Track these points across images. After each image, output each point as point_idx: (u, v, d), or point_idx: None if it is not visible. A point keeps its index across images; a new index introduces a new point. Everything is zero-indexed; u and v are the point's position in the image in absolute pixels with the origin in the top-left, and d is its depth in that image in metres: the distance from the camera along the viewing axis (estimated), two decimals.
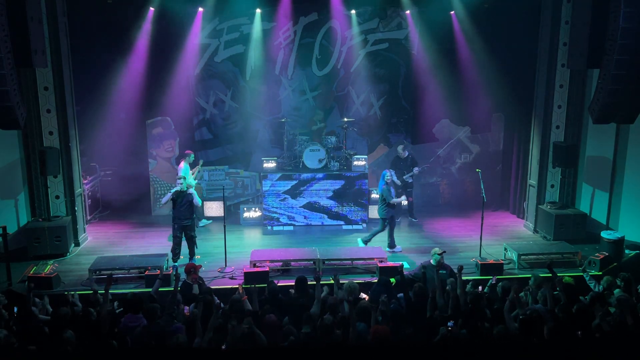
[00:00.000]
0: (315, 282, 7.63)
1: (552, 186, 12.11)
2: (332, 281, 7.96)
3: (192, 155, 12.16)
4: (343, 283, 7.87)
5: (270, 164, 12.58)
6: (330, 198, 12.62)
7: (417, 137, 14.13)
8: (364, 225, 12.63)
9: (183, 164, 11.92)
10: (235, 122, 13.76)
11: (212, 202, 13.13)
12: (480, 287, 8.48)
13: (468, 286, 8.17)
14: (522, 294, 8.05)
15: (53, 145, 10.87)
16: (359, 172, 12.60)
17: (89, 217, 12.58)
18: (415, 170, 12.63)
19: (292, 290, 8.12)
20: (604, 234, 10.71)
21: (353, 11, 13.25)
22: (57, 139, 10.90)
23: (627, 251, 10.60)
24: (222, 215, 10.88)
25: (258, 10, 12.91)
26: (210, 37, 13.24)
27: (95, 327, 6.59)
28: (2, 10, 8.30)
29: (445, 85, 13.32)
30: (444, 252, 8.84)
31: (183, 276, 8.50)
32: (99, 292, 7.76)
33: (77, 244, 11.31)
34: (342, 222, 12.70)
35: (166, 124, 13.49)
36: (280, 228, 12.61)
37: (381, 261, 10.00)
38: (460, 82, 13.18)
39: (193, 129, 13.64)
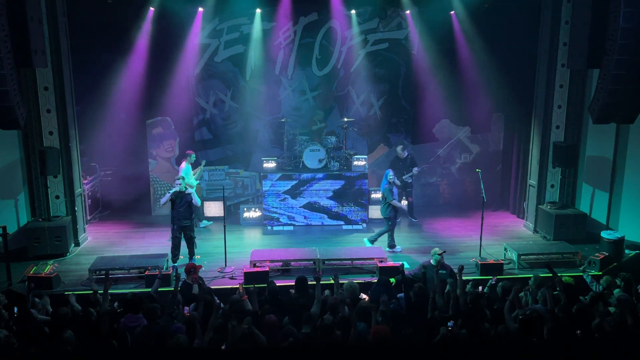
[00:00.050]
0: (315, 282, 7.63)
1: (552, 186, 12.11)
2: (332, 281, 7.95)
3: (194, 155, 12.15)
4: (343, 283, 7.87)
5: (270, 164, 12.58)
6: (330, 198, 12.62)
7: (417, 137, 14.13)
8: (364, 225, 12.63)
9: (184, 164, 11.92)
10: (235, 122, 13.76)
11: (212, 202, 13.13)
12: (480, 287, 8.48)
13: (468, 286, 8.17)
14: (521, 293, 8.05)
15: (53, 145, 10.87)
16: (359, 172, 12.60)
17: (89, 217, 12.58)
18: (415, 170, 12.63)
19: (292, 291, 8.11)
20: (604, 234, 10.71)
21: (353, 11, 13.25)
22: (57, 139, 10.90)
23: (627, 251, 10.60)
24: (222, 215, 10.88)
25: (258, 10, 12.91)
26: (210, 37, 13.24)
27: (95, 327, 6.59)
28: (2, 10, 8.30)
29: (445, 85, 13.32)
30: (444, 252, 8.84)
31: (183, 276, 8.50)
32: (99, 292, 7.75)
33: (77, 244, 11.31)
34: (342, 222, 12.70)
35: (166, 124, 13.49)
36: (280, 228, 12.61)
37: (381, 261, 10.00)
38: (460, 82, 13.18)
39: (193, 129, 13.64)
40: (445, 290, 7.86)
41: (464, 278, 7.96)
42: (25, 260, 10.43)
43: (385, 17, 13.58)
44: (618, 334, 6.46)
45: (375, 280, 9.02)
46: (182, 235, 10.26)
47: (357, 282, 8.34)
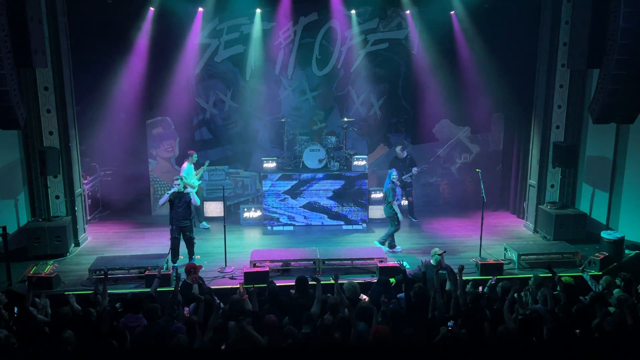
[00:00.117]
0: (315, 282, 7.63)
1: (552, 186, 12.11)
2: (332, 281, 7.95)
3: (195, 155, 12.15)
4: (342, 283, 7.87)
5: (270, 164, 12.58)
6: (330, 198, 12.61)
7: (417, 137, 14.13)
8: (364, 225, 12.63)
9: (186, 164, 11.92)
10: (235, 122, 13.76)
11: (212, 202, 13.12)
12: (480, 287, 8.48)
13: (468, 286, 8.17)
14: (522, 293, 8.04)
15: (53, 145, 10.87)
16: (359, 172, 12.60)
17: (89, 217, 12.58)
18: (414, 170, 12.63)
19: (293, 291, 8.11)
20: (604, 234, 10.71)
21: (353, 11, 13.24)
22: (57, 139, 10.90)
23: (627, 251, 10.60)
24: (222, 215, 10.88)
25: (258, 10, 12.91)
26: (210, 37, 13.24)
27: (95, 327, 6.59)
28: (2, 10, 8.30)
29: (445, 85, 13.32)
30: (444, 252, 8.84)
31: (183, 276, 8.50)
32: (99, 294, 7.74)
33: (77, 244, 11.31)
34: (342, 222, 12.70)
35: (166, 124, 13.49)
36: (280, 228, 12.61)
37: (381, 261, 10.00)
38: (460, 82, 13.18)
39: (193, 129, 13.63)
40: (446, 289, 7.87)
41: (464, 278, 7.97)
42: (25, 260, 10.43)
43: (385, 17, 13.57)
44: (618, 334, 6.46)
45: (375, 281, 9.02)
46: (181, 236, 10.25)
47: (357, 282, 8.33)
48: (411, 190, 12.94)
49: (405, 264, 9.99)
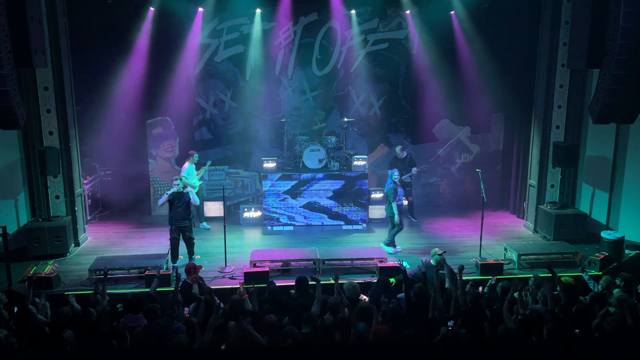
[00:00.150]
0: (315, 282, 7.62)
1: (552, 186, 12.11)
2: (332, 281, 7.95)
3: (196, 155, 12.16)
4: (343, 283, 7.87)
5: (270, 164, 12.58)
6: (330, 198, 12.61)
7: (417, 137, 14.13)
8: (364, 225, 12.63)
9: (187, 164, 11.93)
10: (235, 122, 13.76)
11: (212, 202, 13.12)
12: (480, 288, 8.48)
13: (468, 286, 8.17)
14: (522, 293, 8.04)
15: (53, 145, 10.87)
16: (359, 172, 12.60)
17: (89, 217, 12.58)
18: (414, 170, 12.63)
19: (293, 291, 8.11)
20: (604, 234, 10.71)
21: (353, 11, 13.24)
22: (57, 139, 10.90)
23: (627, 251, 10.60)
24: (222, 215, 10.88)
25: (258, 10, 12.91)
26: (210, 37, 13.24)
27: (95, 327, 6.58)
28: (2, 10, 8.30)
29: (445, 85, 13.32)
30: (444, 252, 8.83)
31: (183, 276, 8.50)
32: (99, 294, 7.74)
33: (77, 244, 11.31)
34: (342, 222, 12.70)
35: (166, 124, 13.49)
36: (280, 228, 12.61)
37: (381, 261, 10.00)
38: (460, 82, 13.18)
39: (193, 129, 13.64)
40: (446, 287, 7.87)
41: (464, 278, 7.97)
42: (25, 260, 10.43)
43: (385, 17, 13.57)
44: (618, 334, 6.46)
45: (375, 281, 9.02)
46: (181, 236, 10.23)
47: (357, 282, 8.32)
48: (411, 190, 12.93)
49: (405, 264, 9.99)
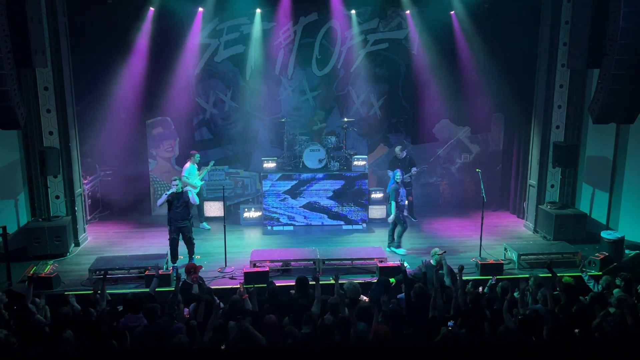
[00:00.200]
0: (315, 282, 7.62)
1: (552, 186, 12.11)
2: (332, 281, 7.95)
3: (198, 155, 12.17)
4: (343, 283, 7.87)
5: (270, 164, 12.57)
6: (330, 198, 12.61)
7: (417, 137, 14.13)
8: (364, 225, 12.63)
9: (189, 164, 11.93)
10: (235, 122, 13.76)
11: (212, 202, 13.12)
12: (480, 288, 8.48)
13: (468, 286, 8.17)
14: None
15: (53, 145, 10.87)
16: (359, 172, 12.60)
17: (89, 217, 12.58)
18: (414, 170, 12.62)
19: (293, 291, 8.11)
20: (604, 234, 10.71)
21: (353, 11, 13.24)
22: (57, 139, 10.90)
23: (627, 251, 10.60)
24: (222, 215, 10.87)
25: (258, 10, 12.90)
26: (210, 37, 13.24)
27: (95, 327, 6.58)
28: (2, 10, 8.30)
29: (445, 85, 13.32)
30: (445, 252, 8.84)
31: (183, 276, 8.50)
32: (98, 292, 7.74)
33: (77, 244, 11.31)
34: (342, 222, 12.70)
35: (166, 124, 13.49)
36: (280, 228, 12.60)
37: (381, 261, 10.00)
38: (460, 82, 13.18)
39: (193, 129, 13.63)
40: (446, 284, 7.87)
41: (464, 278, 7.97)
42: (25, 260, 10.43)
43: (385, 17, 13.57)
44: (618, 334, 6.45)
45: (375, 281, 9.02)
46: (180, 237, 10.21)
47: (357, 282, 8.32)
48: (411, 190, 12.92)
49: (405, 263, 9.99)
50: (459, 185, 14.37)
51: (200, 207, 12.51)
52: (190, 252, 10.34)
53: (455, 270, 8.11)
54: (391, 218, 10.92)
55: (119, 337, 6.42)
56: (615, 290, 7.89)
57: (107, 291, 7.89)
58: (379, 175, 13.89)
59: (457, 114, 13.87)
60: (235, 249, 10.87)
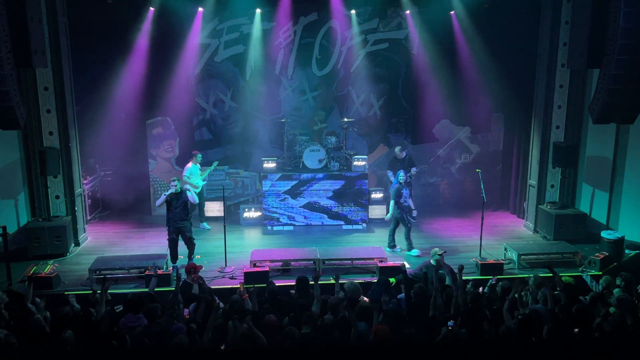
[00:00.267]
0: (314, 282, 7.62)
1: (552, 186, 12.11)
2: (332, 281, 7.95)
3: (200, 155, 12.17)
4: (343, 283, 7.87)
5: (270, 164, 12.57)
6: (330, 198, 12.61)
7: (417, 137, 14.13)
8: (364, 225, 12.63)
9: (190, 164, 11.93)
10: (235, 122, 13.76)
11: (212, 202, 13.12)
12: (480, 288, 8.48)
13: (468, 286, 8.17)
14: (522, 293, 8.04)
15: (53, 145, 10.87)
16: (359, 172, 12.60)
17: (89, 217, 12.58)
18: (413, 170, 12.61)
19: (293, 291, 8.11)
20: (604, 234, 10.71)
21: (353, 11, 13.23)
22: (57, 139, 10.90)
23: (627, 251, 10.60)
24: (222, 215, 10.88)
25: (258, 10, 12.90)
26: (210, 37, 13.24)
27: (95, 327, 6.58)
28: (2, 10, 8.31)
29: (445, 85, 13.32)
30: (445, 252, 8.84)
31: (184, 276, 8.50)
32: (97, 292, 7.74)
33: (77, 244, 11.32)
34: (342, 222, 12.70)
35: (166, 124, 13.49)
36: (280, 228, 12.61)
37: (381, 261, 10.00)
38: (460, 82, 13.18)
39: (193, 129, 13.63)
40: (446, 283, 7.87)
41: (464, 278, 7.97)
42: (25, 260, 10.43)
43: (385, 17, 13.57)
44: (618, 334, 6.45)
45: (375, 281, 9.02)
46: (179, 237, 10.19)
47: (357, 282, 8.32)
48: (411, 190, 12.89)
49: (405, 263, 9.99)
50: (459, 185, 14.37)
51: (200, 207, 12.51)
52: (191, 252, 10.33)
53: (455, 271, 8.10)
54: (387, 217, 10.91)
55: (119, 337, 6.42)
56: (616, 290, 7.88)
57: (107, 291, 7.88)
58: (379, 176, 13.89)
59: (457, 114, 13.87)
60: (235, 249, 10.87)
